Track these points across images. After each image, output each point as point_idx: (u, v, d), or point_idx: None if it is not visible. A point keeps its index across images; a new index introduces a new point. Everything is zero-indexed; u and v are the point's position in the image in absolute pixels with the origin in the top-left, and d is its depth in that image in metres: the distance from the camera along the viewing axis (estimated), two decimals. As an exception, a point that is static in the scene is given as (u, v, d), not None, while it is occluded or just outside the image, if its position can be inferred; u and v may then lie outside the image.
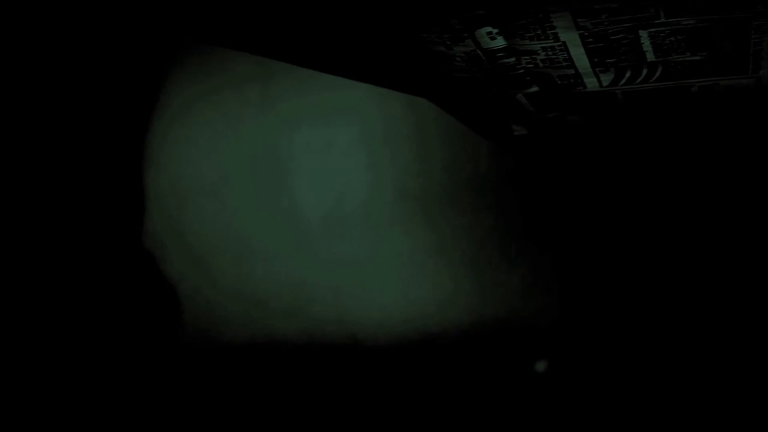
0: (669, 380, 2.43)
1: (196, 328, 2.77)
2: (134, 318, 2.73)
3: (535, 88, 2.07)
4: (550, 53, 1.81)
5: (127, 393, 2.67)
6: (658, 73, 2.01)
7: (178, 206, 2.79)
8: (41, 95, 2.74)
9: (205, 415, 2.67)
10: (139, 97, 2.80)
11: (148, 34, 2.74)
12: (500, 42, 1.73)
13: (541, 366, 2.49)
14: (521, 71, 1.94)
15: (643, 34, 1.72)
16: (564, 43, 1.75)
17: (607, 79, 2.03)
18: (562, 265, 2.53)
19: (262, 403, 2.65)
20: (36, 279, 2.68)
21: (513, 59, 1.85)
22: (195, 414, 2.67)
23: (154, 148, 2.81)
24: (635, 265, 2.48)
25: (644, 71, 1.99)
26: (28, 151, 2.72)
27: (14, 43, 2.68)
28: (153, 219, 2.81)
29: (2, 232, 2.66)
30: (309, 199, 2.73)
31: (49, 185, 2.72)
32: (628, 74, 2.02)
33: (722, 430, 2.34)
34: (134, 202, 2.78)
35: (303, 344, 2.67)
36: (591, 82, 2.04)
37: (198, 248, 2.80)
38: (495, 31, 1.65)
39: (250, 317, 2.73)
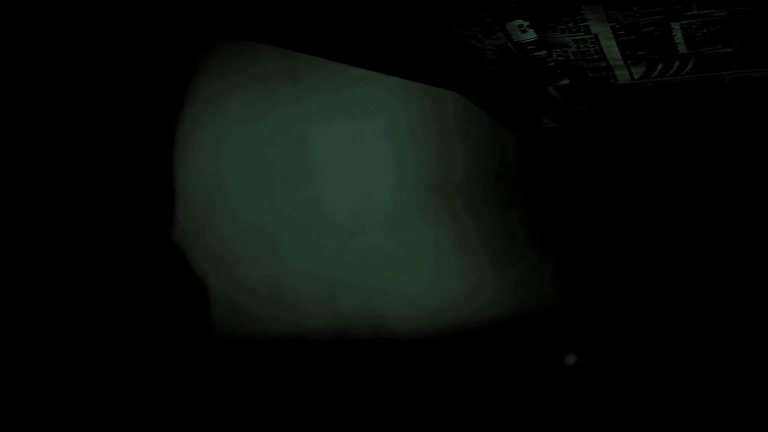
0: (695, 374, 2.42)
1: (225, 324, 2.78)
2: (164, 314, 2.75)
3: (566, 81, 2.06)
4: (581, 46, 1.81)
5: (156, 389, 2.70)
6: (689, 66, 2.00)
7: (206, 201, 2.81)
8: (70, 89, 2.77)
9: (234, 410, 2.68)
10: (168, 91, 2.82)
11: (178, 29, 2.76)
12: (531, 35, 1.73)
13: (570, 359, 2.49)
14: (552, 64, 1.94)
15: (675, 26, 1.71)
16: (595, 35, 1.75)
17: (638, 71, 2.03)
18: (591, 260, 2.53)
19: (291, 398, 2.67)
20: (64, 275, 2.71)
21: (544, 52, 1.85)
22: (225, 409, 2.69)
23: (182, 141, 2.83)
24: (665, 260, 2.47)
25: (676, 63, 1.99)
26: (59, 145, 2.75)
27: (45, 36, 2.71)
28: (181, 214, 2.83)
29: (30, 226, 2.69)
30: (336, 193, 2.74)
31: (78, 180, 2.75)
32: (659, 67, 2.01)
33: (739, 423, 2.33)
34: (164, 196, 2.80)
35: (331, 338, 2.68)
36: (622, 75, 2.04)
37: (226, 244, 2.82)
38: (526, 23, 1.65)
39: (279, 312, 2.75)
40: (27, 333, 2.66)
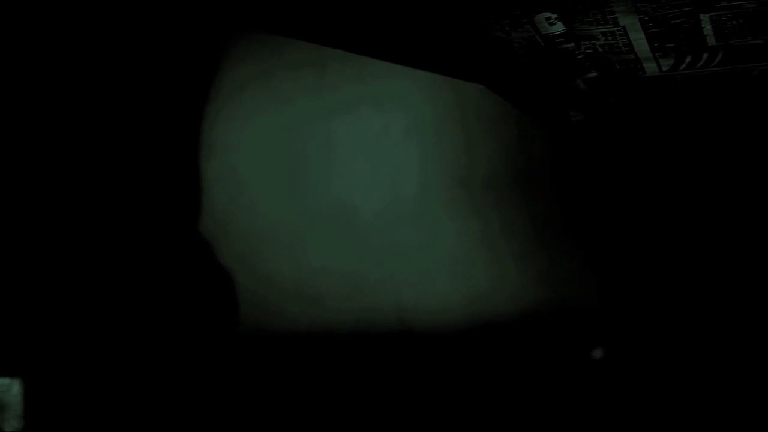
0: (721, 370, 2.41)
1: (252, 317, 2.79)
2: (192, 306, 2.76)
3: (593, 74, 2.06)
4: (609, 38, 1.80)
5: (181, 383, 2.71)
6: (718, 58, 1.98)
7: (232, 193, 2.82)
8: (97, 80, 2.78)
9: (260, 404, 2.69)
10: (194, 80, 2.83)
11: (204, 18, 2.77)
12: (559, 27, 1.73)
13: (598, 353, 2.48)
14: (580, 56, 1.93)
15: (704, 18, 1.70)
16: (624, 27, 1.74)
17: (666, 64, 2.02)
18: (617, 255, 2.51)
19: (316, 392, 2.67)
20: (91, 267, 2.73)
21: (572, 44, 1.84)
22: (253, 402, 2.70)
23: (207, 132, 2.83)
24: (694, 257, 2.45)
25: (705, 56, 1.97)
26: (85, 138, 2.76)
27: (73, 25, 2.72)
28: (208, 206, 2.84)
29: (56, 218, 2.71)
30: (362, 187, 2.74)
31: (105, 173, 2.77)
32: (688, 59, 2.00)
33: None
34: (189, 188, 2.81)
35: (356, 332, 2.68)
36: (650, 67, 2.03)
37: (250, 237, 2.82)
38: (554, 16, 1.65)
39: (305, 306, 2.75)
40: (54, 325, 2.68)
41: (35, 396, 2.65)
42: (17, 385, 2.63)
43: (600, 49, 1.88)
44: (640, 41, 1.84)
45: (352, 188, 2.74)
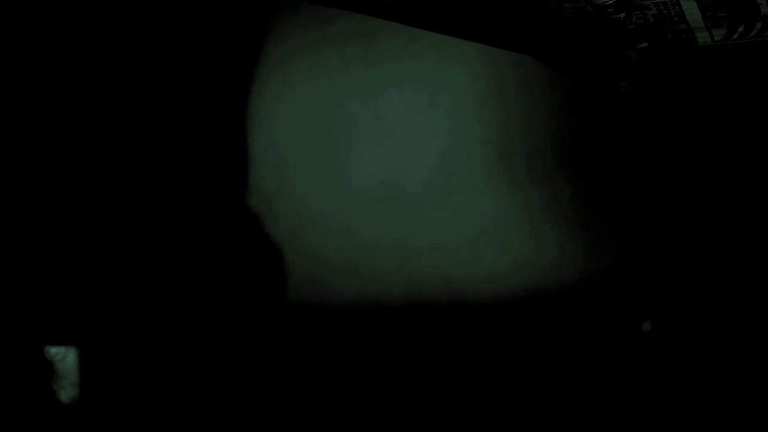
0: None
1: (301, 292, 2.81)
2: (241, 281, 2.79)
3: (645, 44, 2.04)
4: (661, 8, 1.78)
5: (235, 356, 2.74)
6: (772, 27, 1.96)
7: (278, 168, 2.83)
8: (148, 49, 2.80)
9: (312, 378, 2.72)
10: (242, 49, 2.84)
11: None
12: (611, -3, 1.72)
13: (647, 326, 2.48)
14: (631, 27, 1.92)
15: (759, -14, 1.68)
16: (677, -4, 1.73)
17: (719, 33, 2.00)
18: (665, 229, 2.50)
19: (368, 364, 2.69)
20: (146, 237, 2.76)
21: (623, 14, 1.83)
22: (303, 377, 2.72)
23: (253, 103, 2.84)
24: (741, 230, 2.43)
25: (758, 25, 1.95)
26: (134, 109, 2.79)
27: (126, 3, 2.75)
28: (254, 181, 2.86)
29: (112, 186, 2.74)
30: (411, 159, 2.74)
31: (152, 145, 2.79)
32: (741, 28, 1.98)
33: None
34: (238, 162, 2.83)
35: (405, 304, 2.70)
36: (702, 37, 2.01)
37: (299, 210, 2.84)
38: (607, -15, 1.64)
39: (354, 279, 2.77)
40: (108, 294, 2.72)
41: (91, 364, 2.70)
42: (72, 354, 2.68)
43: (651, 19, 1.87)
44: (692, 11, 1.83)
45: (399, 161, 2.74)
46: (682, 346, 2.47)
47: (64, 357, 2.67)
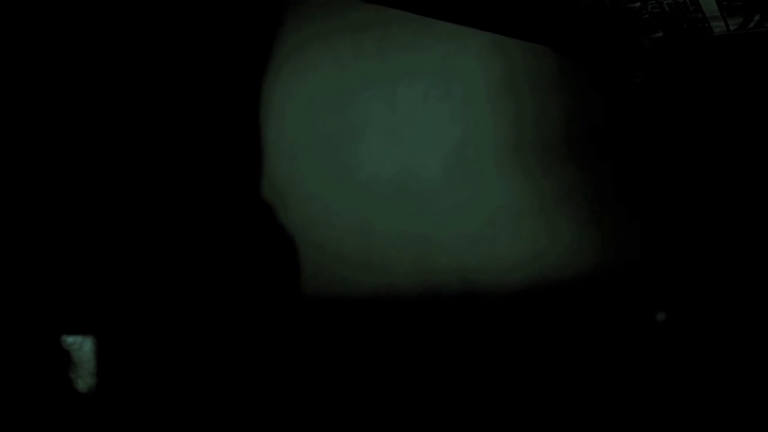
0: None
1: (314, 283, 2.81)
2: (255, 272, 2.79)
3: (660, 34, 2.04)
4: (677, -3, 1.78)
5: (249, 347, 2.75)
6: (788, 16, 1.95)
7: (292, 157, 2.83)
8: (157, 34, 2.81)
9: (327, 368, 2.72)
10: (256, 39, 2.84)
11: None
12: (627, -14, 1.71)
13: (660, 316, 2.47)
14: (646, 16, 1.92)
15: (776, -25, 1.68)
16: (692, -15, 1.72)
17: (735, 23, 1.99)
18: (679, 220, 2.50)
19: (384, 355, 2.70)
20: (161, 227, 2.76)
21: (638, 4, 1.83)
22: (317, 368, 2.73)
23: (267, 92, 2.84)
24: (757, 222, 2.43)
25: (774, 14, 1.94)
26: (150, 98, 2.80)
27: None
28: (268, 170, 2.86)
29: (127, 176, 2.75)
30: (424, 150, 2.74)
31: (169, 133, 2.80)
32: (756, 17, 1.97)
33: None
34: (252, 150, 2.83)
35: (422, 294, 2.70)
36: (718, 26, 2.00)
37: (316, 197, 2.84)
38: (622, -26, 1.63)
39: (368, 270, 2.77)
40: (124, 284, 2.73)
41: (108, 353, 2.71)
42: (89, 343, 2.70)
43: (667, 9, 1.86)
44: (708, 0, 1.82)
45: (412, 152, 2.74)
46: (696, 336, 2.47)
47: (81, 346, 2.68)
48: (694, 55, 2.20)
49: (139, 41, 2.80)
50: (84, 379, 2.68)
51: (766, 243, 2.44)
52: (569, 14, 1.84)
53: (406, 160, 2.74)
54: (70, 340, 2.69)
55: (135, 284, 2.75)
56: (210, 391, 2.72)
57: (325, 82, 2.82)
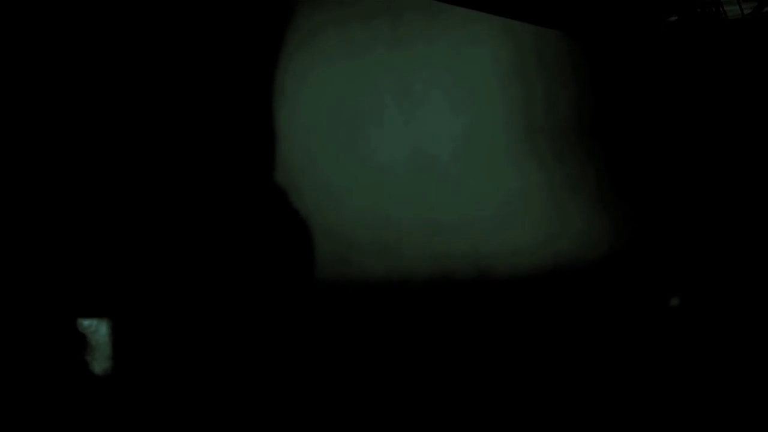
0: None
1: (329, 263, 2.83)
2: (267, 256, 2.81)
3: (674, 18, 2.03)
4: (691, -20, 1.78)
5: (263, 332, 2.76)
6: (803, 0, 1.95)
7: (305, 143, 2.84)
8: (168, 22, 2.82)
9: (339, 353, 2.73)
10: (270, 24, 2.85)
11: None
12: (640, -31, 1.71)
13: (674, 301, 2.48)
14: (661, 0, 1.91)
15: (790, -42, 1.67)
16: (706, -32, 1.72)
17: (749, 6, 1.99)
18: (694, 205, 2.50)
19: (396, 340, 2.71)
20: (176, 211, 2.78)
21: (652, -13, 1.82)
22: (329, 352, 2.74)
23: (280, 79, 2.85)
24: (763, 216, 2.42)
25: (789, -2, 1.94)
26: (164, 87, 2.81)
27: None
28: (283, 154, 2.87)
29: (143, 162, 2.77)
30: (438, 134, 2.75)
31: (182, 119, 2.81)
32: (771, 1, 1.96)
33: None
34: (267, 135, 2.85)
35: (436, 279, 2.70)
36: (732, 10, 2.00)
37: (329, 184, 2.85)
38: (636, -43, 1.63)
39: (384, 253, 2.78)
40: (140, 267, 2.75)
41: (124, 337, 2.73)
42: (105, 326, 2.71)
43: (681, -8, 1.86)
44: (722, -17, 1.82)
45: (425, 138, 2.75)
46: (706, 322, 2.47)
47: (97, 329, 2.70)
48: (709, 38, 2.19)
49: (151, 31, 2.81)
50: (100, 363, 2.70)
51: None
52: (584, 1, 1.84)
53: (418, 146, 2.74)
54: (87, 323, 2.71)
55: (150, 268, 2.76)
56: (224, 375, 2.73)
57: (338, 67, 2.83)
